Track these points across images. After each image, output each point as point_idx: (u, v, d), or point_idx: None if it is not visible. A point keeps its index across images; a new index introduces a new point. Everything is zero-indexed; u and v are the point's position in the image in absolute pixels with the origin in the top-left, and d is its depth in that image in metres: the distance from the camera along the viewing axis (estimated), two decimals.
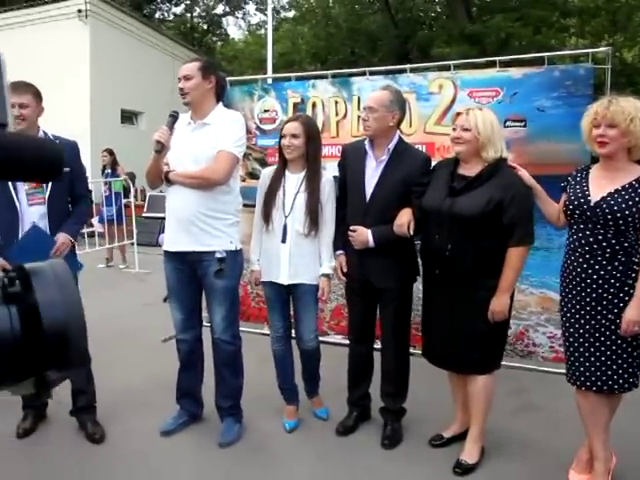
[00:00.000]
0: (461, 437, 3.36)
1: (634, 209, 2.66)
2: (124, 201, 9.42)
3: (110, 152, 9.50)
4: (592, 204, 2.74)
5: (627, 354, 2.74)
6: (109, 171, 9.41)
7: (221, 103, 3.40)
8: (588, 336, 2.78)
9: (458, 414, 3.45)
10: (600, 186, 2.77)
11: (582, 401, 2.90)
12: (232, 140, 3.23)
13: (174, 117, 3.28)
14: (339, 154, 3.69)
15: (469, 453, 3.21)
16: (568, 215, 2.86)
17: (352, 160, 3.43)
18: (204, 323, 3.63)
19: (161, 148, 3.20)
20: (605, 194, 2.72)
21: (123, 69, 15.19)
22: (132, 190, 9.64)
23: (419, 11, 22.48)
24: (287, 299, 3.56)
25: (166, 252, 3.41)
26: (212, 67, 3.38)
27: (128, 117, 16.82)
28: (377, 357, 3.56)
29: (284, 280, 3.44)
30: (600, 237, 2.73)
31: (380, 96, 3.27)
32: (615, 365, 2.75)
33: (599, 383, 2.78)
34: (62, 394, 3.41)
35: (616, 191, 2.71)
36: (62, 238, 3.26)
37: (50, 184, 3.25)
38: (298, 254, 3.39)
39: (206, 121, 3.27)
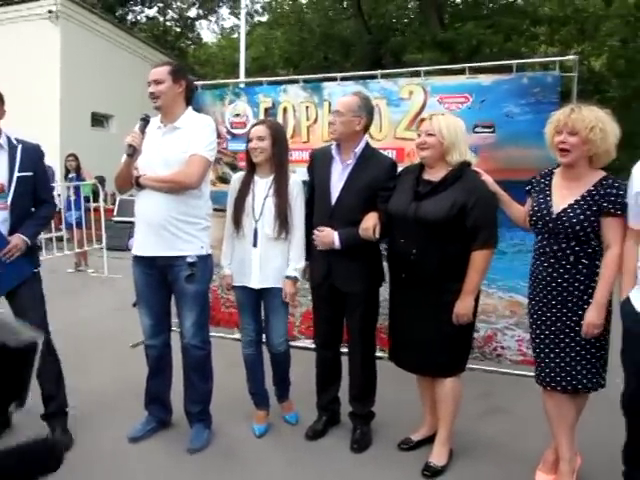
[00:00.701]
0: (430, 440, 3.37)
1: (592, 218, 2.72)
2: (93, 205, 9.32)
3: (76, 157, 9.45)
4: (554, 216, 2.80)
5: (591, 354, 2.81)
6: (74, 175, 9.32)
7: (191, 107, 3.39)
8: (553, 337, 2.85)
9: (427, 417, 3.47)
10: (562, 197, 2.83)
11: (548, 401, 2.95)
12: (204, 144, 3.22)
13: (146, 120, 3.27)
14: None
15: (437, 456, 3.23)
16: (532, 224, 2.93)
17: (319, 164, 3.46)
18: (172, 328, 3.60)
19: (133, 152, 3.18)
20: (566, 205, 2.79)
21: (94, 72, 15.05)
22: (102, 194, 9.53)
23: (392, 17, 22.62)
24: (258, 303, 3.55)
25: (135, 257, 3.38)
26: (182, 71, 3.37)
27: (99, 120, 16.67)
28: (345, 361, 3.57)
29: (255, 284, 3.43)
30: (564, 245, 2.79)
31: (348, 101, 3.31)
32: (579, 365, 2.81)
33: (564, 383, 2.84)
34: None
35: (576, 202, 2.77)
36: (15, 239, 3.17)
37: (12, 189, 3.20)
38: (269, 258, 3.40)
39: (177, 125, 3.26)
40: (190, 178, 3.17)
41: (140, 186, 3.25)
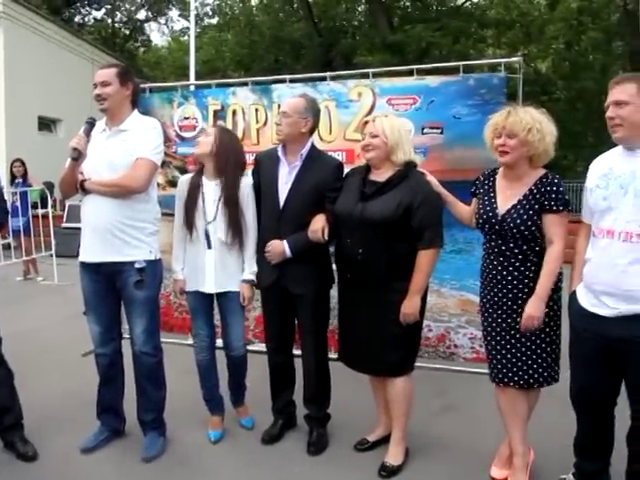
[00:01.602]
0: (386, 440, 3.39)
1: (535, 217, 2.79)
2: (42, 211, 9.12)
3: (22, 162, 9.23)
4: (499, 218, 2.85)
5: (541, 350, 2.86)
6: (20, 180, 9.11)
7: (136, 110, 3.33)
8: (504, 334, 2.89)
9: (381, 417, 3.48)
10: (505, 198, 2.89)
11: (501, 397, 3.00)
12: (150, 147, 3.18)
13: (91, 124, 3.20)
14: None
15: (393, 455, 3.25)
16: (479, 226, 2.98)
17: (265, 167, 3.45)
18: (124, 335, 3.53)
19: (78, 155, 3.11)
20: (509, 207, 2.84)
21: (40, 75, 14.70)
22: (50, 200, 9.32)
23: (342, 20, 22.76)
24: (212, 308, 3.51)
25: (82, 263, 3.30)
26: (129, 73, 3.32)
27: (46, 124, 16.30)
28: (298, 363, 3.56)
29: (211, 289, 3.39)
30: (511, 244, 2.85)
31: (295, 102, 3.33)
32: (530, 360, 2.86)
33: (516, 378, 2.88)
34: None
35: (519, 202, 2.83)
36: None
37: None
38: (223, 262, 3.36)
39: (122, 128, 3.20)
40: (136, 182, 3.12)
41: (85, 191, 3.19)
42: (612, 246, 2.51)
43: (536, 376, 2.88)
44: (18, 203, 8.76)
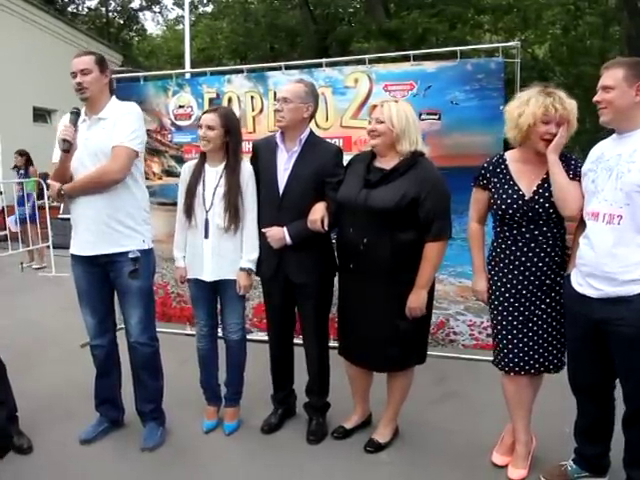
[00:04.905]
0: (363, 426, 3.46)
1: None
2: (38, 203, 9.09)
3: (21, 153, 9.18)
4: (528, 200, 2.78)
5: (560, 334, 2.86)
6: (22, 172, 9.11)
7: (114, 96, 3.29)
8: (527, 322, 2.85)
9: (357, 407, 3.49)
10: (529, 180, 2.82)
11: (509, 386, 2.98)
12: (126, 133, 3.11)
13: (76, 114, 3.17)
14: None
15: (382, 434, 3.31)
16: (500, 214, 2.86)
17: (263, 154, 3.39)
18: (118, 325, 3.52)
19: (69, 147, 3.08)
20: (535, 187, 2.79)
21: (34, 65, 14.56)
22: (46, 191, 9.28)
23: (337, 7, 22.61)
24: (213, 296, 3.47)
25: (74, 256, 3.27)
26: (105, 60, 3.28)
27: (41, 115, 16.18)
28: (297, 351, 3.56)
29: (207, 277, 3.35)
30: (545, 228, 2.79)
31: (295, 88, 3.27)
32: (551, 346, 2.87)
33: (532, 363, 2.87)
34: None
35: (543, 181, 2.78)
36: None
37: None
38: (221, 250, 3.31)
39: (101, 116, 3.16)
40: (112, 172, 3.08)
41: (68, 196, 3.16)
42: (597, 228, 2.54)
43: (547, 363, 2.89)
44: (21, 193, 8.87)
